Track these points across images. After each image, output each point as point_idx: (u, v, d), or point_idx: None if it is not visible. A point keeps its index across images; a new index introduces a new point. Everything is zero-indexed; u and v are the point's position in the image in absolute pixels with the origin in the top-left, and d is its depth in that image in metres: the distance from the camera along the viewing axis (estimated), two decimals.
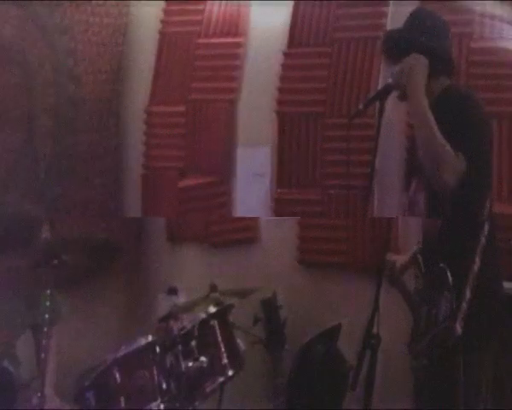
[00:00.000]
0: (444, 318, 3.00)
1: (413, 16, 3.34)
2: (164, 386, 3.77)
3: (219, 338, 3.94)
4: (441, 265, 3.05)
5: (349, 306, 4.52)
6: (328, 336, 4.45)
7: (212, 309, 4.02)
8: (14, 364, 3.88)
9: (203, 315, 3.99)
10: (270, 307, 4.47)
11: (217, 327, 3.97)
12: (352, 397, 3.20)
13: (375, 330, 3.01)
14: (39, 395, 3.59)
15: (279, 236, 4.87)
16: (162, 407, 3.72)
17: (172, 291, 4.44)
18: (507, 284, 3.38)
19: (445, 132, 3.09)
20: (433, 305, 3.08)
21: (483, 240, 3.01)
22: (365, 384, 3.01)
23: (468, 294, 2.95)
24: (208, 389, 3.87)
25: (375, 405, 3.06)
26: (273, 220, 4.89)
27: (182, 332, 3.90)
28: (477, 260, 2.99)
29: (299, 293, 4.71)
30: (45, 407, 3.65)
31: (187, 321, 4.01)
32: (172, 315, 4.02)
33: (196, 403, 3.85)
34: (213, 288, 4.18)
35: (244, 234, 4.98)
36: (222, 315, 4.03)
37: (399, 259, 3.39)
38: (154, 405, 3.72)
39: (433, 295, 3.10)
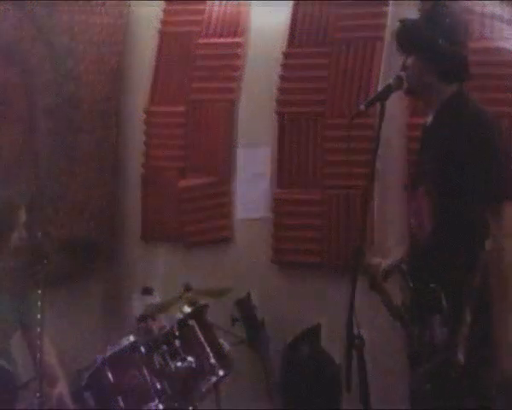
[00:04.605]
0: (441, 345, 2.95)
1: (433, 10, 3.24)
2: (158, 386, 3.78)
3: (202, 338, 3.95)
4: (433, 286, 3.00)
5: (324, 306, 4.54)
6: (309, 336, 4.48)
7: (188, 309, 4.02)
8: (12, 363, 3.88)
9: (180, 315, 4.00)
10: (244, 307, 4.48)
11: (196, 327, 3.97)
12: (351, 398, 3.19)
13: (355, 330, 3.00)
14: (38, 395, 3.59)
15: (253, 235, 4.87)
16: (161, 407, 3.73)
17: (147, 291, 4.46)
18: None
19: (447, 144, 3.09)
20: (424, 327, 3.02)
21: (485, 256, 2.97)
22: (359, 386, 3.00)
23: (468, 317, 2.90)
24: (203, 389, 3.88)
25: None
26: (247, 220, 4.89)
27: (162, 332, 3.92)
28: (477, 278, 2.94)
29: (273, 293, 4.73)
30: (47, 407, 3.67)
31: (164, 321, 4.03)
32: (149, 315, 4.03)
33: (196, 403, 3.86)
34: (187, 288, 4.18)
35: (218, 234, 4.99)
36: (199, 315, 4.03)
37: (383, 263, 3.29)
38: (152, 405, 3.73)
39: (423, 315, 3.04)
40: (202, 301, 4.11)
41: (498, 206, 3.02)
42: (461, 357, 2.87)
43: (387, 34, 4.48)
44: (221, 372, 3.92)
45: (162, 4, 5.21)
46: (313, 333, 4.50)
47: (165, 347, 3.85)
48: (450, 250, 3.05)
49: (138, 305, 4.44)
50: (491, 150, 3.07)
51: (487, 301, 2.96)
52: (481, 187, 3.02)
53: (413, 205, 3.28)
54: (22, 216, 3.97)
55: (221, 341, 4.03)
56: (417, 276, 3.13)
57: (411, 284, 3.14)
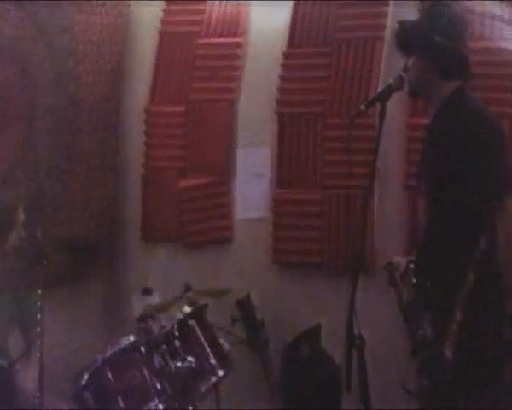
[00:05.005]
0: (430, 342, 2.96)
1: (431, 10, 3.27)
2: (158, 386, 3.78)
3: (202, 338, 3.96)
4: (425, 283, 3.02)
5: (324, 306, 4.54)
6: (309, 336, 4.48)
7: (188, 309, 4.03)
8: (10, 362, 3.88)
9: (180, 315, 4.01)
10: (244, 307, 4.48)
11: (196, 327, 3.98)
12: (351, 398, 3.19)
13: (355, 330, 3.00)
14: (38, 394, 3.60)
15: (253, 236, 4.87)
16: (161, 407, 3.73)
17: (147, 291, 4.47)
18: None
19: (447, 142, 3.09)
20: (418, 324, 3.06)
21: (478, 254, 2.97)
22: (359, 386, 3.00)
23: (458, 315, 2.90)
24: (203, 389, 3.89)
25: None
26: (247, 220, 4.89)
27: (162, 332, 3.92)
28: (471, 276, 2.94)
29: (273, 293, 4.72)
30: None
31: (164, 321, 4.03)
32: (149, 315, 4.04)
33: (196, 403, 3.86)
34: (187, 288, 4.18)
35: (218, 234, 4.99)
36: (198, 315, 4.04)
37: (402, 262, 3.32)
38: (152, 405, 3.73)
39: (418, 312, 3.07)
40: (202, 301, 4.12)
41: (497, 204, 3.02)
42: (448, 354, 2.87)
43: (387, 34, 4.48)
44: (221, 372, 3.93)
45: (162, 4, 5.21)
46: (313, 333, 4.50)
47: (165, 347, 3.85)
48: (448, 248, 3.06)
49: (138, 305, 4.45)
50: (490, 148, 3.08)
51: (483, 298, 2.96)
52: (481, 185, 3.02)
53: (418, 203, 3.30)
54: (21, 216, 3.98)
55: (221, 341, 4.04)
56: (420, 274, 3.14)
57: (413, 282, 3.16)
